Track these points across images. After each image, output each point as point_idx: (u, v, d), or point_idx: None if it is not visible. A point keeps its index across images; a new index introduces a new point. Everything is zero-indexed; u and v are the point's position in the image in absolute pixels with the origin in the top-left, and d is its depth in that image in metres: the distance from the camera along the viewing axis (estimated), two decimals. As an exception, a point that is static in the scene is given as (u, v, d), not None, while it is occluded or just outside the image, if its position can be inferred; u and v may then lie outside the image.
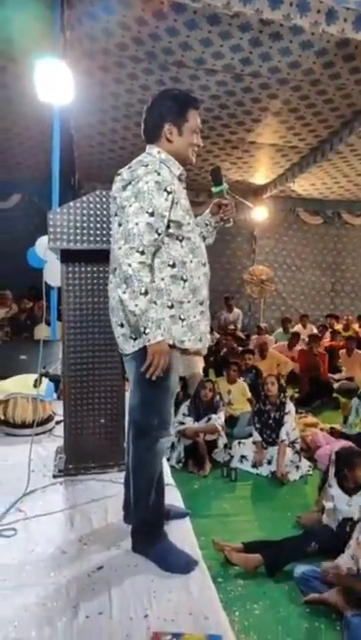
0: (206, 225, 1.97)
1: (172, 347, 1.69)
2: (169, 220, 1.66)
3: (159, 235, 1.63)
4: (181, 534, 1.89)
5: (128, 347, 1.72)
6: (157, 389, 1.70)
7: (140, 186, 1.62)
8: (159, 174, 1.64)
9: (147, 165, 1.66)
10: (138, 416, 1.75)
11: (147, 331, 1.60)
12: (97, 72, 5.30)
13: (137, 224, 1.60)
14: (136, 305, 1.58)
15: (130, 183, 1.65)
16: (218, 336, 8.20)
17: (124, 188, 1.66)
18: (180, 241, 1.71)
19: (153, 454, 1.74)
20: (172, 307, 1.69)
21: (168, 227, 1.67)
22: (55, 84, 3.96)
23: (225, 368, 5.80)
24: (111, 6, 4.37)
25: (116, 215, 1.71)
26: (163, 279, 1.68)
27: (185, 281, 1.71)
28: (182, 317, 1.72)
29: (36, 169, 7.59)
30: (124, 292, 1.60)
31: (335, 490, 2.99)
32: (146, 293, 1.59)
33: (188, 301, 1.73)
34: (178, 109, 1.73)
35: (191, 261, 1.73)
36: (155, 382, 1.66)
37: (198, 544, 1.93)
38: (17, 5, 4.34)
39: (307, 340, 7.79)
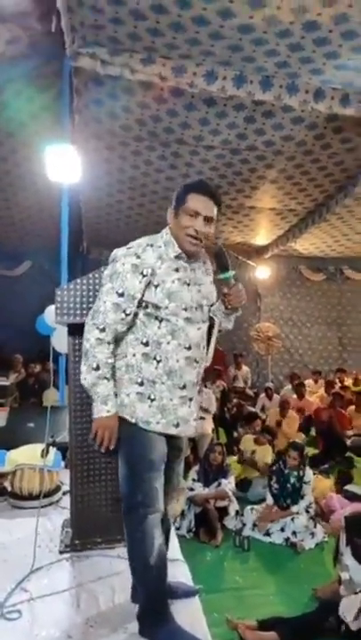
0: (220, 310, 1.88)
1: (135, 426, 1.69)
2: (146, 302, 1.69)
3: (127, 315, 1.68)
4: (190, 614, 1.82)
5: None
6: (138, 465, 1.69)
7: (116, 267, 1.69)
8: (138, 257, 1.68)
9: (130, 248, 1.72)
10: (123, 490, 1.73)
11: (93, 404, 1.68)
12: (103, 150, 5.70)
13: (105, 302, 1.68)
14: (85, 379, 1.68)
15: (111, 262, 1.73)
16: (224, 384, 8.16)
17: (105, 278, 1.74)
18: (160, 322, 1.71)
19: (143, 532, 1.67)
20: (141, 384, 1.71)
21: (146, 307, 1.70)
22: (64, 165, 4.25)
23: (247, 426, 5.86)
24: (116, 93, 4.79)
25: None
26: (134, 355, 1.72)
27: (158, 362, 1.70)
28: (152, 397, 1.70)
29: (46, 237, 7.92)
30: (83, 365, 1.69)
31: (349, 559, 2.86)
32: (97, 369, 1.66)
33: (163, 382, 1.71)
34: (180, 195, 1.76)
35: (169, 343, 1.71)
36: (135, 458, 1.69)
37: (210, 621, 1.86)
38: (28, 95, 4.77)
39: (316, 398, 7.76)
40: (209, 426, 5.92)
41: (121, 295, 1.67)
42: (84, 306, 2.26)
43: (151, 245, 1.73)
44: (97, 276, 2.31)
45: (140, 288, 1.68)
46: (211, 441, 5.18)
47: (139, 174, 6.23)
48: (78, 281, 2.28)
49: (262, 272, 10.10)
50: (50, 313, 4.05)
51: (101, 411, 1.68)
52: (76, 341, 2.36)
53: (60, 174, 4.37)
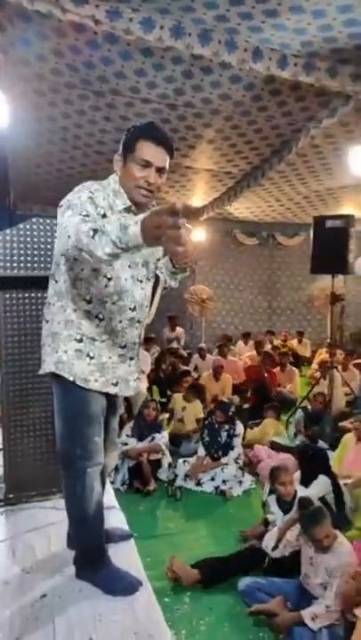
0: (167, 268, 1.84)
1: (73, 383, 1.61)
2: None
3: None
4: (126, 556, 1.91)
5: (42, 368, 1.69)
6: (77, 421, 1.66)
7: (72, 201, 1.53)
8: (92, 193, 1.57)
9: (81, 187, 1.60)
10: (60, 445, 1.71)
11: (130, 230, 1.32)
12: (32, 95, 5.31)
13: (69, 222, 1.46)
14: (102, 252, 1.36)
15: (64, 208, 1.54)
16: (158, 349, 8.35)
17: (62, 214, 1.54)
18: (108, 280, 1.61)
19: (82, 485, 1.67)
20: (80, 341, 1.63)
21: None
22: (-11, 108, 3.94)
23: (177, 385, 5.87)
24: (45, 33, 4.43)
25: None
26: (75, 311, 1.62)
27: (101, 320, 1.64)
28: (91, 355, 1.64)
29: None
30: (92, 247, 1.36)
31: (273, 506, 3.12)
32: (95, 231, 1.36)
33: (103, 341, 1.65)
34: (129, 141, 1.61)
35: (114, 303, 1.64)
36: (74, 414, 1.65)
37: (145, 565, 1.94)
38: None
39: (246, 358, 8.12)
40: (143, 385, 6.01)
41: (86, 216, 1.47)
42: (15, 258, 2.17)
43: (101, 190, 1.61)
44: (28, 227, 2.22)
45: (99, 218, 1.51)
46: (145, 398, 5.28)
47: (71, 124, 5.90)
48: (7, 232, 2.18)
49: (197, 234, 10.13)
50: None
51: (132, 234, 1.31)
52: (7, 296, 2.27)
53: (-16, 118, 4.04)
